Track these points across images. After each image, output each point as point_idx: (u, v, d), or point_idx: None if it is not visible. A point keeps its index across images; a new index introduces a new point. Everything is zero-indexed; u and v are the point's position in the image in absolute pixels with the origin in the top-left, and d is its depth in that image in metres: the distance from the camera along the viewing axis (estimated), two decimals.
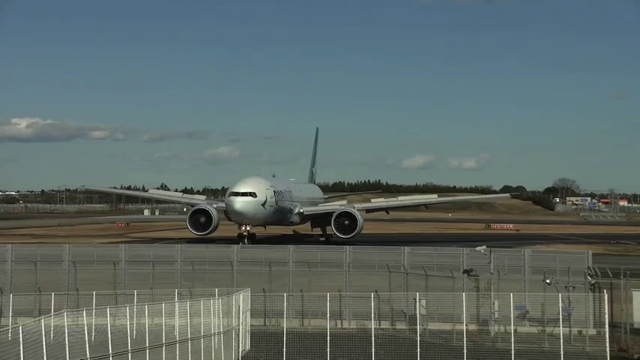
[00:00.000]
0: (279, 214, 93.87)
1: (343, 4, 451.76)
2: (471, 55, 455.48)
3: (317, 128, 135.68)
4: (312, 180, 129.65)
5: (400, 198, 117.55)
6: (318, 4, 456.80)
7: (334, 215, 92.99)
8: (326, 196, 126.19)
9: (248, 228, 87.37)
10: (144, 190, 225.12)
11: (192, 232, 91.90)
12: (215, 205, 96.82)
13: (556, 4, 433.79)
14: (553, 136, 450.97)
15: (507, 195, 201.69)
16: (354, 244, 64.89)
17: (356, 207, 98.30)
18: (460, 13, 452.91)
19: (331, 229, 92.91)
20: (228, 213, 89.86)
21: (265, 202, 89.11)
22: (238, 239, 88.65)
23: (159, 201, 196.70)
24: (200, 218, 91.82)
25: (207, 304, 33.09)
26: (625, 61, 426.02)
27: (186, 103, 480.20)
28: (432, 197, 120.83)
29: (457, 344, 36.11)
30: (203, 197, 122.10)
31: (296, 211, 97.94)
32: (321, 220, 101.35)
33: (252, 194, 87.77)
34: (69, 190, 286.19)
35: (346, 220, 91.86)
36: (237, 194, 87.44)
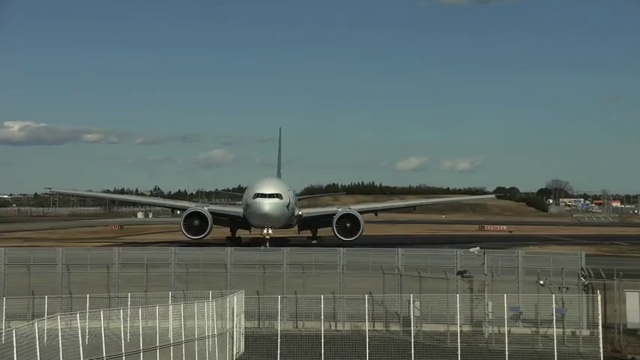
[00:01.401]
0: (290, 217, 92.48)
1: (338, 5, 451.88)
2: (465, 57, 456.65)
3: (280, 128, 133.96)
4: None
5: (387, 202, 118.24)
6: (314, 5, 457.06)
7: (336, 217, 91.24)
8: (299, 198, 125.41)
9: (270, 231, 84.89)
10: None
11: (186, 236, 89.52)
12: (206, 208, 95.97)
13: (550, 5, 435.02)
14: (546, 137, 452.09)
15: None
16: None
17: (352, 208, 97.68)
18: (454, 15, 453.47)
19: (332, 231, 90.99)
20: (251, 215, 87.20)
21: (289, 203, 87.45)
22: (229, 242, 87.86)
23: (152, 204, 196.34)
24: (194, 221, 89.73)
25: (201, 306, 33.02)
26: (620, 62, 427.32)
27: (179, 107, 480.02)
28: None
29: (451, 345, 36.11)
30: (188, 203, 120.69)
31: (295, 213, 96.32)
32: (314, 222, 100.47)
33: (279, 196, 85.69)
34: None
35: (348, 223, 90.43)
36: (263, 195, 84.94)
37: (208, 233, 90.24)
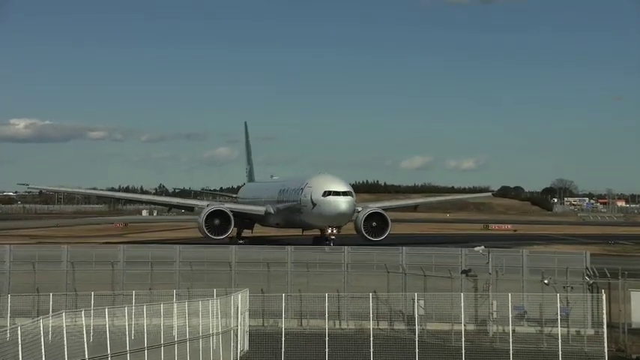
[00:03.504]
0: None
1: (344, 3, 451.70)
2: (469, 56, 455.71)
3: (245, 122, 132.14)
4: (252, 178, 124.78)
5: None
6: (318, 2, 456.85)
7: (363, 216, 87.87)
8: None
9: (335, 230, 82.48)
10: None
11: (209, 237, 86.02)
12: (226, 206, 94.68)
13: (554, 4, 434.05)
14: (551, 136, 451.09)
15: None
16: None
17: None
18: (457, 13, 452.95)
19: (358, 231, 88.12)
20: (318, 214, 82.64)
21: (355, 201, 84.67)
22: (232, 242, 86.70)
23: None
24: (214, 221, 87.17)
25: (205, 304, 33.07)
26: (624, 61, 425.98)
27: (185, 104, 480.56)
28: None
29: (455, 344, 36.12)
30: (195, 201, 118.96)
31: None
32: None
33: (350, 193, 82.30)
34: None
35: (374, 222, 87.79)
36: (337, 194, 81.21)
37: (230, 233, 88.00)
